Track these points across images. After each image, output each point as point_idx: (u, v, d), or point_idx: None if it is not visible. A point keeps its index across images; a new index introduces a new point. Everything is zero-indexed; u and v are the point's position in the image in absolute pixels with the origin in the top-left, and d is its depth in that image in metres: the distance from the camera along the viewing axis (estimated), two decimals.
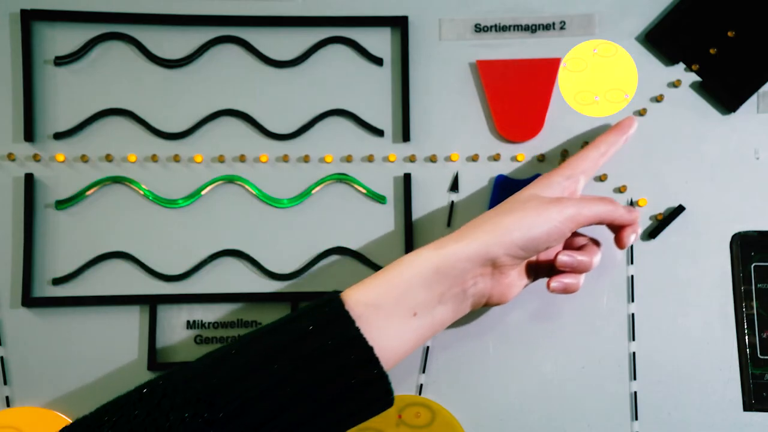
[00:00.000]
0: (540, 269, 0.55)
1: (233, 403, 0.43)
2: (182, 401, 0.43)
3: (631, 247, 0.59)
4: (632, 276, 0.59)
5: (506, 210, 0.50)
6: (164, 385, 0.44)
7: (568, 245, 0.55)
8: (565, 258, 0.52)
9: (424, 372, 0.58)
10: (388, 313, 0.47)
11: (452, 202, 0.59)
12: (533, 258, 0.54)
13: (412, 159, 0.59)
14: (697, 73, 0.60)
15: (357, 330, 0.45)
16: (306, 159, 0.59)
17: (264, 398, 0.44)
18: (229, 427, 0.43)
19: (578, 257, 0.53)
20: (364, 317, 0.46)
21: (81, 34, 0.59)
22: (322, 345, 0.45)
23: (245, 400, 0.43)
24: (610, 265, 0.59)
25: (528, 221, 0.49)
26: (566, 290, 0.53)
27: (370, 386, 0.45)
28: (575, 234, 0.55)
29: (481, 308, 0.53)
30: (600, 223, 0.52)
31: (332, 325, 0.45)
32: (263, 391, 0.44)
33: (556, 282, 0.52)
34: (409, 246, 0.58)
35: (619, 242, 0.54)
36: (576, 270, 0.53)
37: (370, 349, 0.45)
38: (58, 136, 0.58)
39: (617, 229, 0.54)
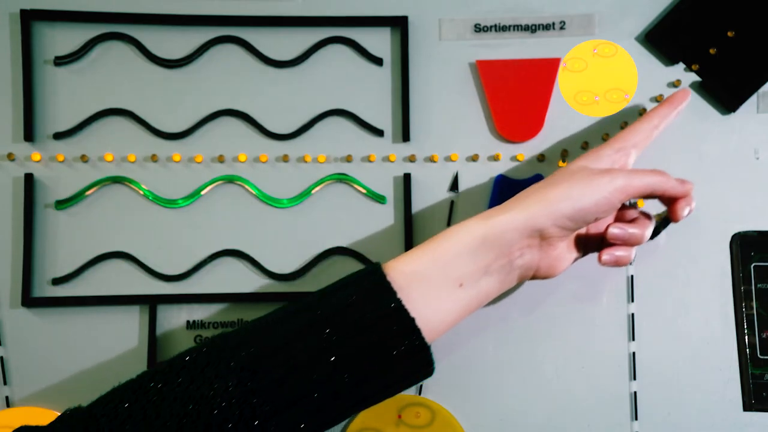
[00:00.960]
0: (589, 243, 0.54)
1: (276, 372, 0.44)
2: (226, 370, 0.43)
3: None
4: (632, 276, 0.59)
5: (555, 181, 0.50)
6: (208, 353, 0.45)
7: (619, 218, 0.54)
8: (616, 230, 0.51)
9: None
10: (433, 283, 0.47)
11: (452, 201, 0.59)
12: (582, 231, 0.53)
13: (411, 159, 0.59)
14: (697, 73, 0.60)
15: (399, 301, 0.45)
16: (306, 159, 0.59)
17: (306, 368, 0.44)
18: (271, 395, 0.43)
19: (629, 230, 0.52)
20: (408, 288, 0.46)
21: (81, 34, 0.59)
22: (364, 316, 0.45)
23: (288, 370, 0.44)
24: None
25: (576, 192, 0.48)
26: (617, 263, 0.52)
27: (412, 357, 0.45)
28: (626, 207, 0.55)
29: (483, 306, 0.53)
30: (651, 194, 0.51)
31: (374, 296, 0.46)
32: (306, 360, 0.44)
33: (608, 255, 0.52)
34: (409, 246, 0.58)
35: (673, 215, 0.53)
36: (627, 243, 0.52)
37: (412, 320, 0.45)
38: (58, 136, 0.58)
39: (670, 202, 0.53)
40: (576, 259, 0.54)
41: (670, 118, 0.56)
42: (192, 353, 0.45)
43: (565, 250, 0.52)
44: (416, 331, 0.45)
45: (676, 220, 0.53)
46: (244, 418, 0.43)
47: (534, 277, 0.51)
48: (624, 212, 0.55)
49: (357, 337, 0.45)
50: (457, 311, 0.48)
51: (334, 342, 0.44)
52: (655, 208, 0.59)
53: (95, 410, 0.44)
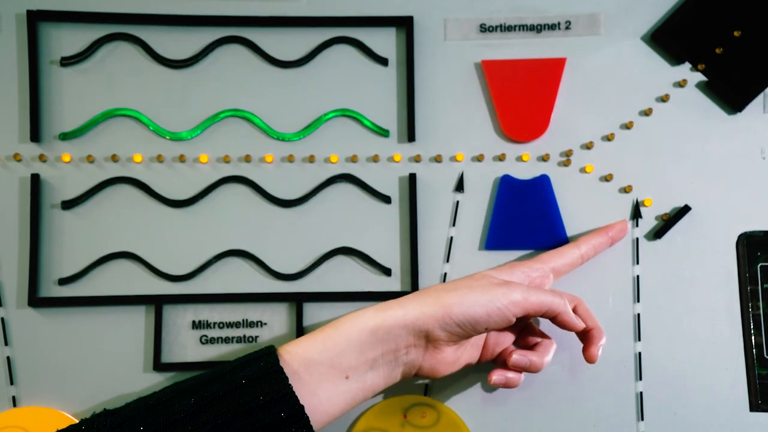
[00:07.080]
0: (486, 353, 0.54)
1: None
2: None
3: (637, 247, 0.59)
4: (638, 276, 0.59)
5: (454, 286, 0.50)
6: (87, 431, 0.44)
7: (521, 340, 0.55)
8: (517, 357, 0.52)
9: None
10: (322, 373, 0.47)
11: (457, 202, 0.59)
12: (481, 337, 0.54)
13: (417, 159, 0.59)
14: (703, 72, 0.59)
15: (289, 387, 0.45)
16: (311, 159, 0.59)
17: None
18: None
19: (531, 357, 0.52)
20: (298, 375, 0.46)
21: (87, 35, 0.59)
22: (254, 399, 0.45)
23: None
24: (616, 264, 0.59)
25: (471, 299, 0.48)
26: (506, 385, 0.53)
27: None
28: (529, 331, 0.55)
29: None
30: (546, 314, 0.51)
31: (265, 381, 0.45)
32: None
33: (498, 375, 0.52)
34: (414, 246, 0.58)
35: (586, 353, 0.53)
36: (526, 370, 0.53)
37: (301, 407, 0.45)
38: (64, 136, 0.58)
39: (583, 340, 0.54)
40: (467, 365, 0.53)
41: (602, 248, 0.56)
42: (71, 430, 0.44)
43: (450, 354, 0.51)
44: (304, 419, 0.45)
45: (589, 361, 0.53)
46: None
47: (416, 375, 0.51)
48: (527, 337, 0.55)
49: (246, 420, 0.44)
50: (342, 403, 0.48)
51: (222, 423, 0.44)
52: (661, 207, 0.59)
53: None
